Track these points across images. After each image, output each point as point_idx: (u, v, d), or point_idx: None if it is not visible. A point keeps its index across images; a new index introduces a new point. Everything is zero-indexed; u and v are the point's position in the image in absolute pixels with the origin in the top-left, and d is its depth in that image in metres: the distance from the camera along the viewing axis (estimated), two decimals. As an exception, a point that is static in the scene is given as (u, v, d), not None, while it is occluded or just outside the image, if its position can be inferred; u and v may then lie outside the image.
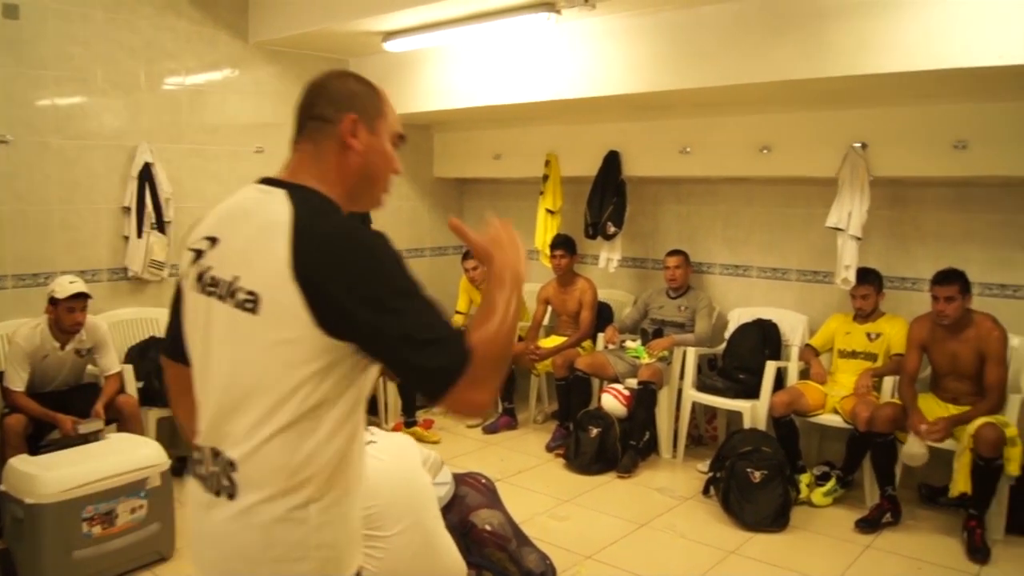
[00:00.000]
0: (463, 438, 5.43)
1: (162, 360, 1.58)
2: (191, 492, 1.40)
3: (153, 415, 4.39)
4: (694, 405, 4.98)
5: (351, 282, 1.22)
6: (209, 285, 1.35)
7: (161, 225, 4.82)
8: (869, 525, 3.99)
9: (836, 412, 4.39)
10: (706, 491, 4.39)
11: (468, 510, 3.15)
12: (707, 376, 4.94)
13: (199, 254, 1.39)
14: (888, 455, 4.03)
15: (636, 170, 5.45)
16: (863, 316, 4.54)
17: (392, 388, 5.39)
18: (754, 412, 4.62)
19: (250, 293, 1.27)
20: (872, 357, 4.47)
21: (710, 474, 4.37)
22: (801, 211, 5.10)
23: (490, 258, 1.35)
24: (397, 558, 2.54)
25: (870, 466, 4.16)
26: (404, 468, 2.63)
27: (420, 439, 4.88)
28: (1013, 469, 3.74)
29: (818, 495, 4.29)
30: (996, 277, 4.45)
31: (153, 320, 4.86)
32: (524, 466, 4.86)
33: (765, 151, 4.79)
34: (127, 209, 4.74)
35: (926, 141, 4.24)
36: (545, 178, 5.80)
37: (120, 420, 4.08)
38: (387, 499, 2.55)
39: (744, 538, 3.91)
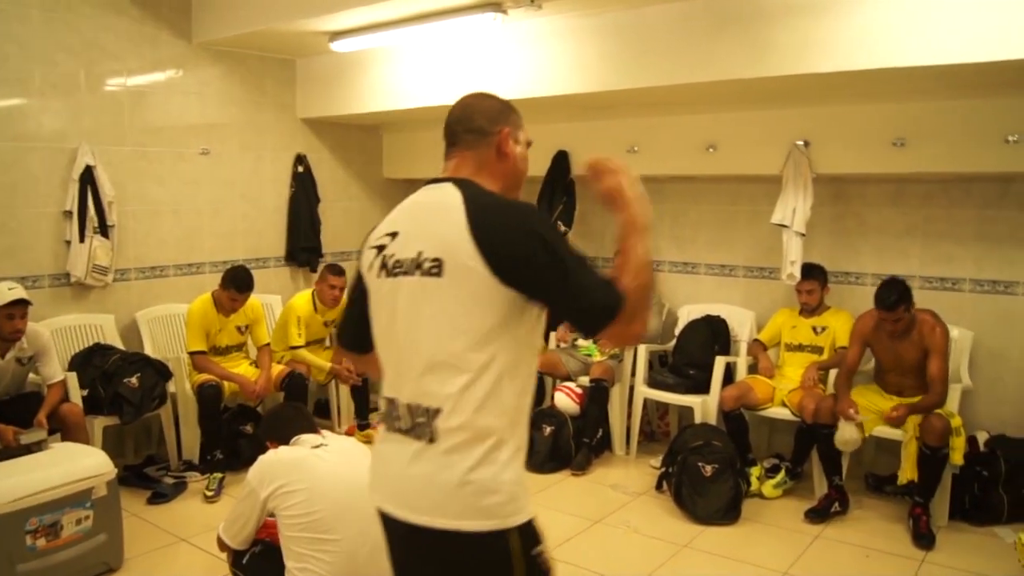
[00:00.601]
0: (417, 439, 5.39)
1: (346, 355, 1.92)
2: (386, 441, 1.64)
3: (98, 423, 4.29)
4: (646, 401, 5.03)
5: (519, 236, 1.48)
6: (395, 268, 1.61)
7: (104, 229, 4.71)
8: (818, 515, 4.07)
9: (784, 405, 4.48)
10: (659, 486, 4.44)
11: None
12: (658, 372, 5.00)
13: (381, 248, 1.67)
14: (833, 446, 4.12)
15: (585, 169, 5.46)
16: (809, 310, 4.63)
17: (345, 391, 5.34)
18: (704, 407, 4.68)
19: (435, 260, 1.53)
20: (818, 350, 4.57)
21: (662, 469, 4.42)
22: (747, 208, 5.19)
23: (623, 205, 1.62)
24: (346, 561, 2.52)
25: (818, 457, 4.25)
26: (353, 472, 2.62)
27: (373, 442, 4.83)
28: (957, 458, 3.85)
29: (768, 487, 4.37)
30: (935, 271, 4.59)
31: (97, 326, 4.76)
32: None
33: (711, 150, 4.86)
34: (68, 213, 4.62)
35: (866, 139, 4.34)
36: (495, 178, 5.79)
37: (64, 429, 3.97)
38: (334, 504, 2.53)
39: (696, 531, 3.96)
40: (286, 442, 2.78)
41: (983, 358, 4.43)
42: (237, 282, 4.56)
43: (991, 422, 4.38)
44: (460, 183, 1.61)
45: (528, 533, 1.54)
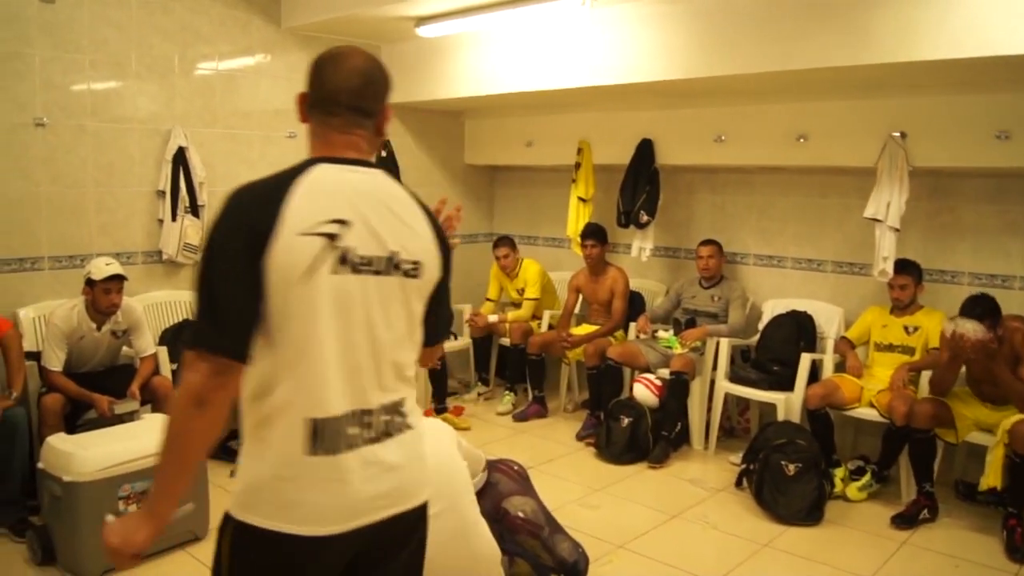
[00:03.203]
0: (493, 425, 5.42)
1: (216, 361, 1.38)
2: (346, 465, 1.46)
3: (186, 398, 4.41)
4: (727, 396, 4.93)
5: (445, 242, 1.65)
6: (361, 264, 1.46)
7: (195, 209, 4.85)
8: (906, 521, 3.93)
9: (872, 406, 4.33)
10: (739, 483, 4.35)
11: (501, 497, 3.14)
12: (740, 367, 4.89)
13: (332, 237, 1.42)
14: (926, 451, 3.96)
15: (670, 158, 5.39)
16: (900, 308, 4.46)
17: (423, 375, 5.38)
18: (788, 404, 4.56)
19: (414, 262, 1.54)
20: (910, 351, 4.40)
21: (743, 466, 4.33)
22: (837, 201, 5.02)
23: None
24: (433, 541, 2.51)
25: (907, 461, 4.10)
26: (440, 452, 2.62)
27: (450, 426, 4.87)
28: (1048, 467, 3.67)
29: (853, 490, 4.23)
30: (1038, 271, 4.37)
31: (187, 303, 4.90)
32: (554, 454, 4.84)
33: (801, 140, 4.72)
34: (161, 193, 4.77)
35: (967, 131, 4.15)
36: (577, 166, 5.76)
37: (155, 401, 4.11)
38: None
39: (777, 531, 3.87)
40: None
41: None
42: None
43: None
44: (384, 170, 1.58)
45: None
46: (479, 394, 5.97)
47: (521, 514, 3.11)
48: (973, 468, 4.07)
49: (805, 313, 4.92)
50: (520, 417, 5.51)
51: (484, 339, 6.01)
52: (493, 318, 5.84)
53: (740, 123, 5.01)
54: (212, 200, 4.94)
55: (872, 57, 3.67)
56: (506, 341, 5.80)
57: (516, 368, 5.71)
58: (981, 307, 3.80)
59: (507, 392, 5.75)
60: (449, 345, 5.80)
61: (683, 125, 5.29)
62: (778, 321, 4.94)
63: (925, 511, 3.96)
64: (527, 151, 6.21)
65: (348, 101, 1.52)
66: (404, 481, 1.55)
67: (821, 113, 4.66)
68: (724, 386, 4.87)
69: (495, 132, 6.48)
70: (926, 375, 4.23)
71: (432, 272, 1.58)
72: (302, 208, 1.41)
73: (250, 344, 1.39)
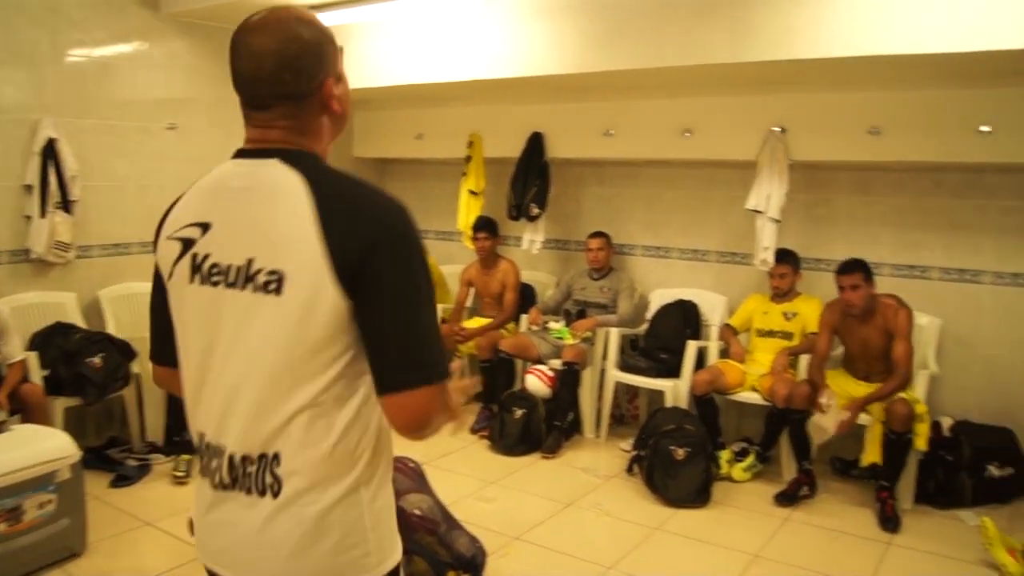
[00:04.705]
0: (386, 421, 5.36)
1: (155, 368, 1.48)
2: (207, 498, 1.33)
3: (60, 404, 4.19)
4: (617, 385, 5.03)
5: (388, 264, 1.19)
6: (213, 275, 1.26)
7: (67, 204, 4.58)
8: (787, 498, 4.11)
9: (755, 390, 4.51)
10: (630, 469, 4.45)
11: (397, 495, 3.10)
12: (629, 356, 5.00)
13: (188, 243, 1.29)
14: (804, 431, 4.16)
15: (560, 152, 5.45)
16: (780, 296, 4.66)
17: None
18: (676, 391, 4.70)
19: (272, 273, 1.20)
20: (789, 336, 4.60)
21: (634, 452, 4.43)
22: (721, 194, 5.19)
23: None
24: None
25: (787, 441, 4.29)
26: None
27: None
28: (921, 444, 3.93)
29: (738, 471, 4.40)
30: (905, 258, 4.63)
31: (59, 305, 4.63)
32: (449, 449, 4.83)
33: (687, 134, 4.85)
34: (29, 187, 4.48)
35: (843, 127, 4.37)
36: (468, 159, 5.75)
37: (25, 410, 3.86)
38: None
39: (668, 514, 3.98)
40: None
41: (950, 345, 4.49)
42: None
43: (956, 408, 4.44)
44: (289, 156, 1.26)
45: None
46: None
47: (417, 512, 3.10)
48: (847, 445, 4.30)
49: (691, 302, 5.08)
50: (414, 412, 5.45)
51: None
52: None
53: (628, 117, 5.11)
54: (86, 195, 4.69)
55: (754, 55, 3.81)
56: (399, 335, 5.72)
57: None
58: (853, 260, 4.09)
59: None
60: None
61: (573, 119, 5.35)
62: (665, 310, 5.08)
63: (805, 488, 4.15)
64: (417, 144, 6.15)
65: (248, 89, 1.28)
66: (234, 548, 1.30)
67: (706, 108, 4.81)
68: (614, 375, 4.97)
69: (385, 125, 6.39)
70: (804, 359, 4.44)
71: (311, 290, 1.18)
72: (176, 211, 1.35)
73: None
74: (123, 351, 4.41)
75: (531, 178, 5.45)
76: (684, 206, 5.38)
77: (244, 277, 1.23)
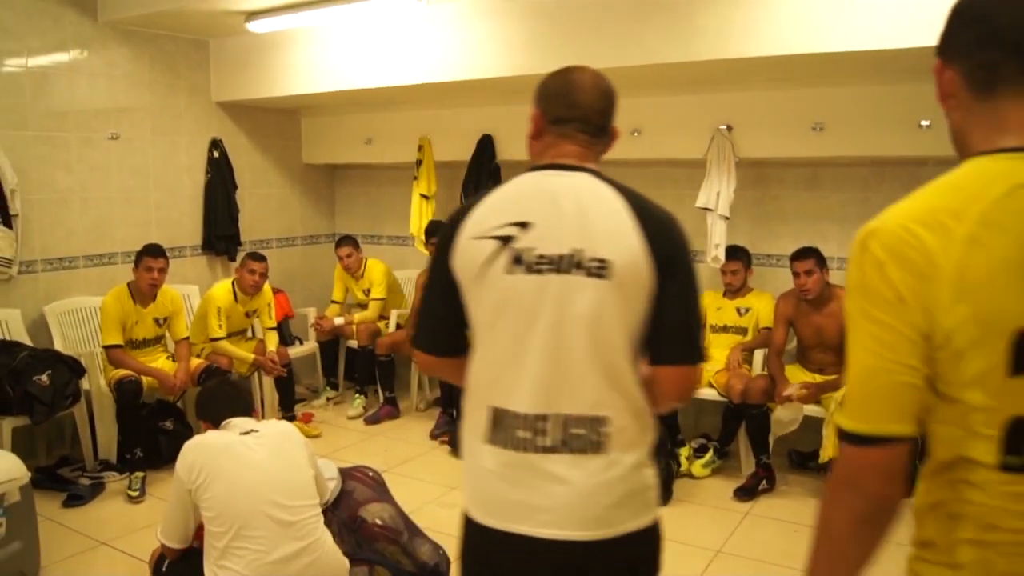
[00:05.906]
0: (345, 430, 5.31)
1: (429, 359, 1.68)
2: (507, 464, 1.50)
3: (7, 424, 4.05)
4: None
5: (677, 243, 1.51)
6: (539, 264, 1.48)
7: (6, 219, 4.45)
8: (747, 493, 4.16)
9: (711, 386, 4.55)
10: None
11: (357, 505, 3.08)
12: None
13: (506, 240, 1.51)
14: (761, 425, 4.21)
15: (510, 154, 5.45)
16: (733, 292, 4.71)
17: (268, 383, 5.20)
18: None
19: (599, 260, 1.46)
20: (743, 331, 4.66)
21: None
22: (671, 192, 5.23)
23: None
24: (267, 562, 2.44)
25: (745, 436, 4.34)
26: (282, 466, 2.55)
27: (300, 434, 4.73)
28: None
29: (697, 467, 4.44)
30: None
31: (2, 322, 4.49)
32: (409, 455, 4.80)
33: (635, 134, 4.89)
34: (-35, 202, 4.35)
35: (787, 123, 4.44)
36: (419, 163, 5.72)
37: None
38: (258, 499, 2.45)
39: (629, 513, 3.99)
40: (217, 424, 2.65)
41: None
42: (149, 249, 4.44)
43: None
44: (595, 172, 1.58)
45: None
46: (328, 399, 5.83)
47: (379, 521, 3.06)
48: (804, 438, 4.37)
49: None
50: (372, 420, 5.42)
51: (331, 342, 5.87)
52: (339, 320, 5.71)
53: (577, 118, 5.11)
54: (26, 209, 4.56)
55: (698, 54, 3.85)
56: (354, 343, 5.69)
57: (365, 370, 5.62)
58: (807, 248, 4.20)
59: (357, 395, 5.64)
60: (295, 351, 5.63)
61: (521, 121, 5.20)
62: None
63: (764, 482, 4.21)
64: (367, 149, 6.10)
65: (581, 115, 1.63)
66: (586, 506, 1.47)
67: (654, 108, 4.84)
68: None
69: (333, 130, 6.33)
70: (759, 353, 4.50)
71: (632, 275, 1.45)
72: (477, 216, 1.56)
73: None
74: (72, 368, 4.28)
75: (483, 181, 5.44)
76: (636, 205, 5.40)
77: (573, 264, 1.47)
